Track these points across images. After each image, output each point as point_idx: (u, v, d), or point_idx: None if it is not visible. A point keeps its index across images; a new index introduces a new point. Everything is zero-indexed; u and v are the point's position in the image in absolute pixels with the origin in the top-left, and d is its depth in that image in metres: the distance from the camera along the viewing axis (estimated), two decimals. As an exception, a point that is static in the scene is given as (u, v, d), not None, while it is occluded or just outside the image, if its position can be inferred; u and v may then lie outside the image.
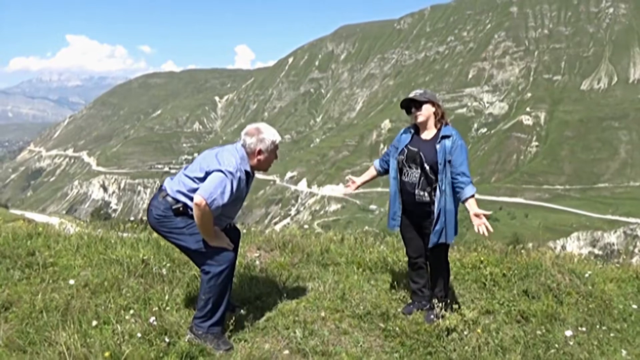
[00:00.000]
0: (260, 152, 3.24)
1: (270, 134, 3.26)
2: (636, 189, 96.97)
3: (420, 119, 3.61)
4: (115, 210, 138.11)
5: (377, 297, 3.88)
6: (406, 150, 3.64)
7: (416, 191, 3.59)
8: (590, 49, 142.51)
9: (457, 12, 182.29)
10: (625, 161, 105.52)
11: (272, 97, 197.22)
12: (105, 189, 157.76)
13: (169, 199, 3.16)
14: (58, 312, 3.17)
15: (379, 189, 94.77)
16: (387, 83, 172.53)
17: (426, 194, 3.57)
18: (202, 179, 3.08)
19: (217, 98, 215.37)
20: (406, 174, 3.64)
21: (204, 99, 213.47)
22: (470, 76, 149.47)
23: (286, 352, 3.08)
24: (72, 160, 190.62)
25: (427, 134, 3.63)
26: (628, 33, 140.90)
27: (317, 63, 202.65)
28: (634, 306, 4.07)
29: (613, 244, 75.67)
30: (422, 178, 3.57)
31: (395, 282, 4.12)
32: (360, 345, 3.28)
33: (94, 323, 3.04)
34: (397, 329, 3.44)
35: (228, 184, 3.03)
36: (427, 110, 3.59)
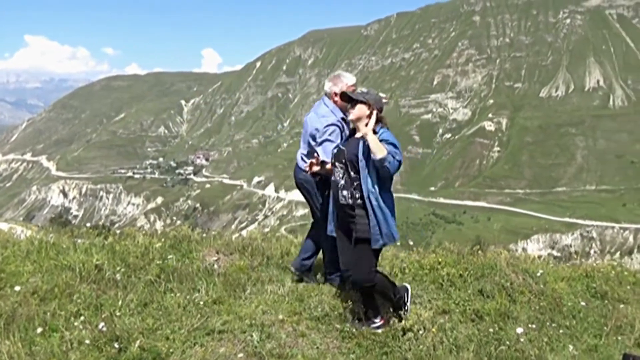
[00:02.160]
0: (336, 94, 3.81)
1: (345, 78, 3.91)
2: (592, 192, 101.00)
3: (350, 117, 3.54)
4: (75, 217, 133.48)
5: (335, 298, 3.89)
6: (336, 150, 3.62)
7: (339, 190, 3.51)
8: (549, 57, 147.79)
9: (422, 20, 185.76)
10: (582, 166, 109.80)
11: (240, 101, 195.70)
12: (65, 195, 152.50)
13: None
14: (2, 320, 3.03)
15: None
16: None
17: (348, 194, 3.45)
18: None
19: (183, 102, 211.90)
20: (336, 173, 3.57)
21: (169, 103, 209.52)
22: (435, 82, 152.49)
23: (241, 355, 3.05)
24: (30, 165, 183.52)
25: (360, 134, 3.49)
26: (584, 43, 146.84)
27: (284, 67, 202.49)
28: (583, 303, 4.22)
29: (570, 246, 78.46)
30: (345, 176, 3.47)
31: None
32: (317, 347, 3.29)
33: (39, 330, 2.93)
34: (354, 330, 3.46)
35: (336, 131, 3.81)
36: (359, 110, 3.46)
